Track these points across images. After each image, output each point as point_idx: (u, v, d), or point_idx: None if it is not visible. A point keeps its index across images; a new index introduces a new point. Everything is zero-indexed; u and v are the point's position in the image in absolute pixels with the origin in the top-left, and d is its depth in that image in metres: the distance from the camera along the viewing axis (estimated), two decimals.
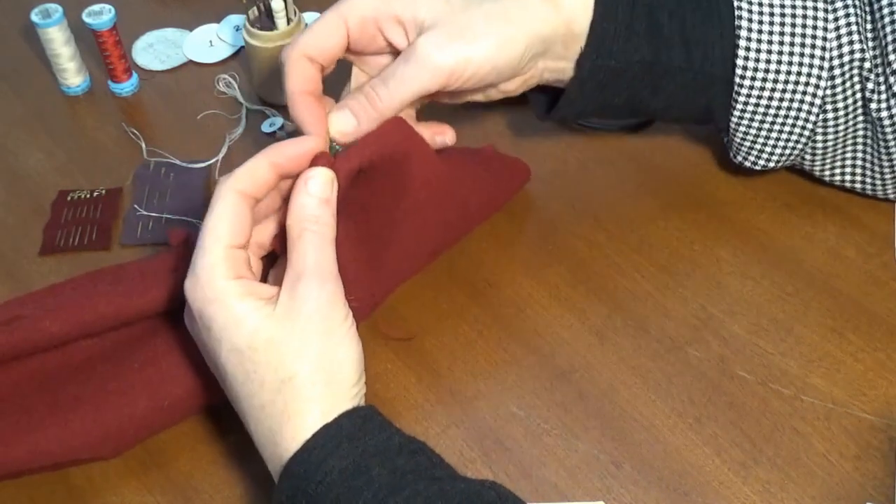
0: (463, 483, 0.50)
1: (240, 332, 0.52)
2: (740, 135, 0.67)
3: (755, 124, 0.66)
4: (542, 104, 0.70)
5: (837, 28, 0.63)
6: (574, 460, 0.59)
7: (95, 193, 0.77)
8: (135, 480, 0.60)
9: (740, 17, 0.63)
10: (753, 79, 0.64)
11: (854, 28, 0.63)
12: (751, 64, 0.64)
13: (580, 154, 0.78)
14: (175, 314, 0.60)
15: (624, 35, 0.63)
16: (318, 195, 0.56)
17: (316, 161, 0.57)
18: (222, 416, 0.62)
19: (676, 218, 0.72)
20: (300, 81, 0.61)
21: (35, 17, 0.83)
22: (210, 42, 0.90)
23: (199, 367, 0.59)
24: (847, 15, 0.63)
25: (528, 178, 0.74)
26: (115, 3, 0.83)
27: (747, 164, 0.69)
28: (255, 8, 0.80)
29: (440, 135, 0.66)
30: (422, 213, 0.63)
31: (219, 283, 0.53)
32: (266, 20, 0.80)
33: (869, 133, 0.65)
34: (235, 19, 0.92)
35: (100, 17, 0.82)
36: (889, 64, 0.62)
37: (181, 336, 0.59)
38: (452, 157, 0.67)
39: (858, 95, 0.64)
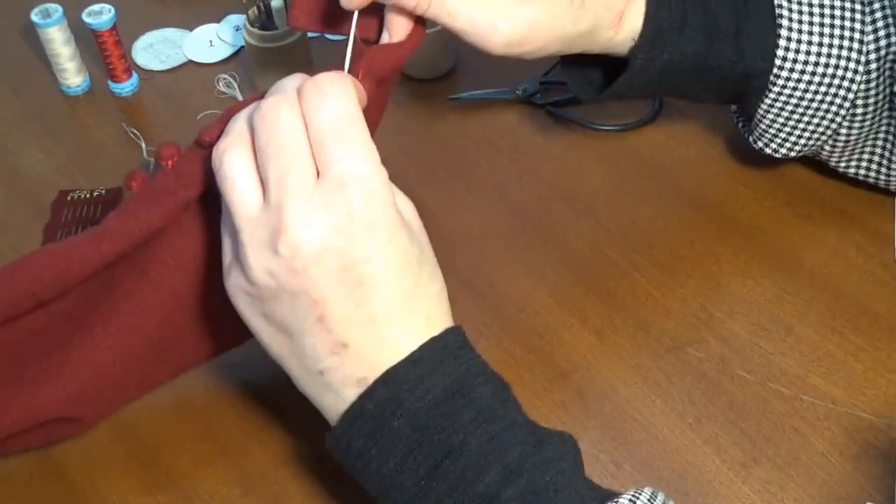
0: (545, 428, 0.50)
1: (412, 238, 0.50)
2: (766, 122, 0.67)
3: (784, 114, 0.66)
4: (580, 84, 0.69)
5: (874, 21, 0.63)
6: None
7: (95, 193, 0.77)
8: (135, 480, 0.59)
9: (780, 7, 0.64)
10: (792, 70, 0.64)
11: (891, 21, 0.63)
12: (790, 55, 0.64)
13: (580, 154, 0.78)
14: (136, 265, 0.56)
15: (678, 27, 0.63)
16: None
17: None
18: (222, 415, 0.62)
19: (676, 218, 0.72)
20: None
21: (35, 17, 0.83)
22: (210, 42, 0.90)
23: (162, 317, 0.56)
24: (883, 7, 0.63)
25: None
26: (115, 3, 0.83)
27: (768, 150, 0.69)
28: (255, 8, 0.80)
29: None
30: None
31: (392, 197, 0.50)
32: (266, 20, 0.80)
33: (892, 129, 0.66)
34: (235, 19, 0.92)
35: (100, 17, 0.82)
36: None
37: (142, 285, 0.56)
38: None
39: (888, 91, 0.64)
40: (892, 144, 0.66)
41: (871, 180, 0.70)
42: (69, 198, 0.76)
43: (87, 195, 0.76)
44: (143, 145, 0.80)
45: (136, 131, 0.82)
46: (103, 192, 0.77)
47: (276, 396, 0.62)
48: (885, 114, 0.65)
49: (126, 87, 0.86)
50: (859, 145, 0.68)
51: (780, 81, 0.64)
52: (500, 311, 0.67)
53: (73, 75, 0.86)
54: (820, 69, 0.64)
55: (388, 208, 0.48)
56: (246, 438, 0.61)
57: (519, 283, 0.69)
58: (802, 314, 0.66)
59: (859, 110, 0.65)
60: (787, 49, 0.64)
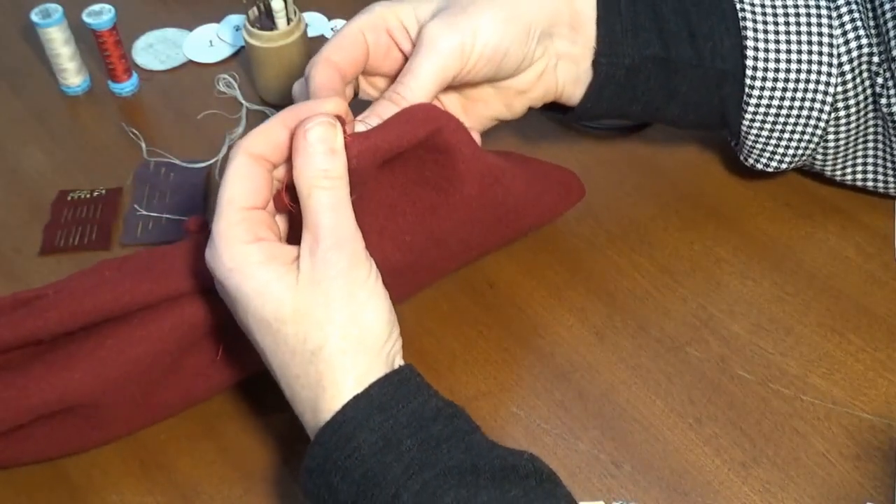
0: (498, 454, 0.50)
1: (265, 303, 0.51)
2: (753, 137, 0.67)
3: (768, 125, 0.66)
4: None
5: (842, 24, 0.63)
6: (574, 460, 0.59)
7: (95, 193, 0.77)
8: (135, 480, 0.60)
9: (744, 19, 0.63)
10: (764, 79, 0.64)
11: (859, 24, 0.63)
12: (760, 64, 0.64)
13: (581, 155, 0.78)
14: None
15: (632, 30, 0.63)
16: (321, 144, 0.52)
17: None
18: (222, 415, 0.62)
19: (676, 218, 0.73)
20: (326, 80, 0.59)
21: (35, 17, 0.83)
22: (210, 42, 0.90)
23: (200, 325, 0.57)
24: (850, 11, 0.63)
25: (582, 195, 0.70)
26: (115, 3, 0.83)
27: (759, 166, 0.69)
28: (255, 8, 0.80)
29: None
30: (469, 208, 0.61)
31: (237, 248, 0.51)
32: (266, 20, 0.80)
33: (880, 130, 0.65)
34: (235, 19, 0.92)
35: (100, 17, 0.82)
36: (895, 59, 0.62)
37: (185, 298, 0.58)
38: (505, 159, 0.64)
39: (869, 92, 0.64)
40: (885, 146, 0.66)
41: (870, 186, 0.70)
42: (69, 198, 0.76)
43: (87, 195, 0.76)
44: (143, 145, 0.80)
45: (136, 131, 0.82)
46: (103, 192, 0.77)
47: (277, 396, 0.62)
48: (871, 115, 0.65)
49: (126, 87, 0.86)
50: (850, 151, 0.67)
51: (756, 92, 0.64)
52: (500, 311, 0.67)
53: (73, 75, 0.86)
54: (793, 75, 0.64)
55: (247, 299, 0.51)
56: (246, 438, 0.61)
57: (519, 283, 0.69)
58: (802, 314, 0.66)
59: (842, 113, 0.65)
60: (755, 59, 0.63)
